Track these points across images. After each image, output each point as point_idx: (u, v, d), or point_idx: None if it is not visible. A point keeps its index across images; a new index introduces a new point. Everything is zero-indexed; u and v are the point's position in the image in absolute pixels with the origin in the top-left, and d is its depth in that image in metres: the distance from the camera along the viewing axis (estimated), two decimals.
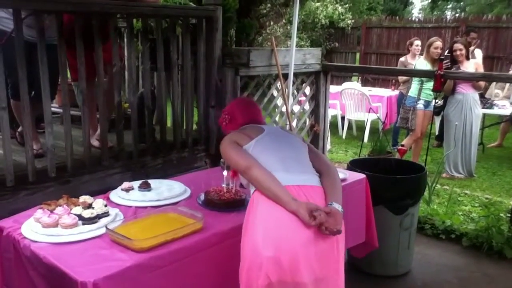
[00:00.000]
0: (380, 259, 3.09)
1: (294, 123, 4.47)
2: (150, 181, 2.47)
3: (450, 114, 5.29)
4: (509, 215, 3.59)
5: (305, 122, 4.52)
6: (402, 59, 6.74)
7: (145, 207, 2.20)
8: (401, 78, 6.54)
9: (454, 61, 5.18)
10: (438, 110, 5.91)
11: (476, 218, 3.84)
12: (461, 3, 27.00)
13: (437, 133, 6.97)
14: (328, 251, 1.77)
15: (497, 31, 11.20)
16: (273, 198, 1.77)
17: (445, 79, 4.15)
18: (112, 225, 1.87)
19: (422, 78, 5.30)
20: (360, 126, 6.95)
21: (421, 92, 5.40)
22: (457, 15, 20.37)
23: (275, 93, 4.22)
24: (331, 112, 7.70)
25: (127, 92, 3.17)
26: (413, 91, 5.49)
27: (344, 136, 7.71)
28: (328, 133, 5.66)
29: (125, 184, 2.40)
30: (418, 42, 6.56)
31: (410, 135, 5.58)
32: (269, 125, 2.09)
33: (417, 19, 14.13)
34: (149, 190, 2.38)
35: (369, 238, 2.83)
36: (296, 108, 4.58)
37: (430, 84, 5.17)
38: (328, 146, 6.05)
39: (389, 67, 5.55)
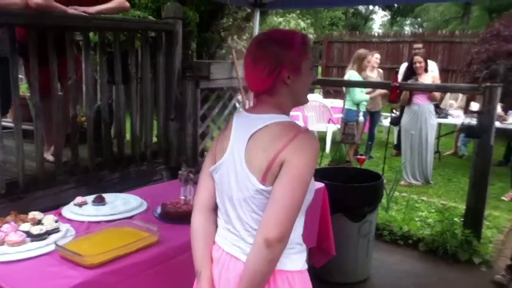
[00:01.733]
0: (339, 267, 3.13)
1: None
2: (105, 195, 2.42)
3: (406, 124, 5.46)
4: (462, 219, 3.72)
5: None
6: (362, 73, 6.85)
7: (99, 222, 2.15)
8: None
9: (413, 73, 5.37)
10: (396, 121, 6.09)
11: (432, 224, 3.95)
12: (419, 19, 28.05)
13: (395, 142, 7.17)
14: None
15: (451, 46, 11.71)
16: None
17: (400, 91, 4.28)
18: (63, 241, 1.82)
19: (350, 92, 5.49)
20: (323, 137, 7.07)
21: (359, 106, 5.60)
22: (416, 31, 21.13)
23: (237, 105, 4.24)
24: None
25: (84, 105, 3.11)
26: (350, 104, 5.65)
27: None
28: None
29: (78, 199, 2.34)
30: (377, 55, 6.71)
31: (351, 147, 5.72)
32: (237, 127, 1.47)
33: (376, 34, 14.57)
34: (103, 204, 2.32)
35: (327, 247, 2.85)
36: None
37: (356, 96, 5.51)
38: None
39: (347, 79, 5.66)
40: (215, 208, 1.53)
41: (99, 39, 3.02)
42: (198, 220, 1.53)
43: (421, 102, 5.33)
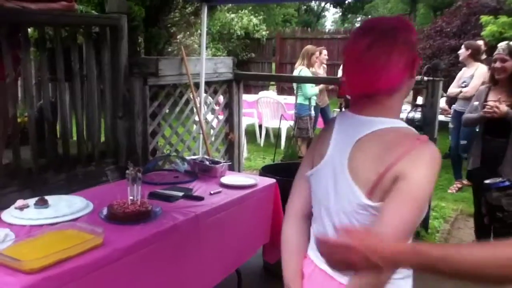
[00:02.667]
0: None
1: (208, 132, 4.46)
2: (48, 197, 2.31)
3: None
4: None
5: (220, 131, 4.53)
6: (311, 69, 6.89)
7: (41, 225, 2.05)
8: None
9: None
10: None
11: None
12: (369, 16, 28.81)
13: None
14: None
15: None
16: None
17: None
18: (0, 247, 1.72)
19: (302, 87, 5.56)
20: (277, 134, 7.13)
21: (311, 100, 5.68)
22: None
23: (187, 102, 4.19)
24: (249, 121, 7.83)
25: (23, 104, 2.97)
26: (302, 99, 5.71)
27: (262, 144, 7.83)
28: (244, 141, 5.73)
29: (19, 202, 2.22)
30: (325, 51, 6.81)
31: (303, 142, 5.79)
32: (341, 129, 1.28)
33: (327, 30, 14.83)
34: (46, 207, 2.22)
35: (279, 242, 2.86)
36: (210, 117, 4.58)
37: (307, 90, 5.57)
38: (244, 154, 6.11)
39: (298, 75, 5.71)
40: (309, 216, 1.37)
41: (39, 34, 2.89)
42: (290, 230, 1.39)
43: None
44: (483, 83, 4.33)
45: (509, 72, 3.03)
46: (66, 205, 2.26)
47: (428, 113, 3.52)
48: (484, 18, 7.23)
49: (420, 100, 5.82)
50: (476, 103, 3.20)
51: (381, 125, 1.17)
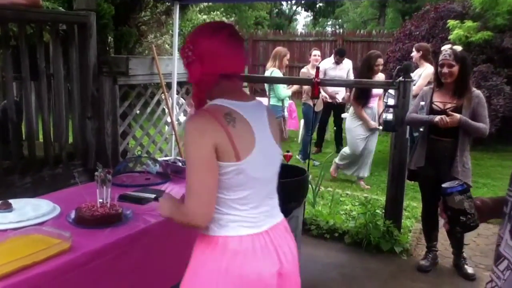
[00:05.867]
0: None
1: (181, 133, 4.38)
2: (12, 201, 2.20)
3: (358, 127, 5.30)
4: (384, 211, 3.87)
5: None
6: (303, 70, 6.69)
7: (5, 230, 1.94)
8: (306, 89, 6.34)
9: (369, 72, 5.18)
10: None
11: (356, 216, 4.07)
12: (339, 20, 29.20)
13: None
14: None
15: (369, 45, 12.29)
16: None
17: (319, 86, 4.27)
18: None
19: (274, 88, 5.55)
20: None
21: (284, 101, 5.66)
22: (337, 30, 21.98)
23: (158, 103, 4.10)
24: None
25: None
26: (275, 101, 5.65)
27: None
28: None
29: None
30: (316, 52, 6.76)
31: None
32: (256, 117, 1.52)
33: (299, 33, 14.94)
34: (10, 211, 2.11)
35: None
36: (183, 118, 4.50)
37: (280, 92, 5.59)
38: None
39: (271, 76, 5.69)
40: None
41: (2, 31, 2.76)
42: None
43: (373, 104, 5.34)
44: (429, 83, 4.45)
45: (454, 77, 3.12)
46: (32, 209, 2.16)
47: (400, 113, 3.55)
48: (451, 23, 7.41)
49: (391, 102, 5.90)
50: (422, 103, 3.26)
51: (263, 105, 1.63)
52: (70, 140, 3.39)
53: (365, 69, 5.22)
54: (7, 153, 2.85)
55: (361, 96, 5.17)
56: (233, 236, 1.47)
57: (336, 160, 5.71)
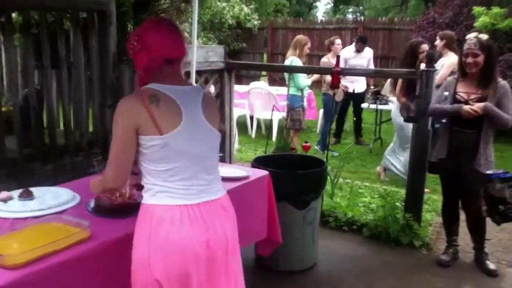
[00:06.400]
0: (285, 255, 3.10)
1: None
2: (33, 189, 2.23)
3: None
4: (403, 203, 3.81)
5: None
6: (324, 59, 6.50)
7: (26, 218, 1.97)
8: (327, 78, 6.12)
9: (414, 60, 4.64)
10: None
11: (375, 209, 4.03)
12: (360, 8, 28.73)
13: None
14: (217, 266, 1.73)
15: (391, 33, 12.06)
16: None
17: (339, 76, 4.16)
18: None
19: (294, 77, 5.44)
20: (269, 125, 7.06)
21: (303, 91, 5.57)
22: (358, 18, 21.61)
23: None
24: (240, 112, 7.74)
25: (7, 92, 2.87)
26: (294, 90, 5.58)
27: (253, 135, 7.76)
28: (236, 132, 5.66)
29: (3, 194, 2.14)
30: (339, 41, 6.62)
31: (295, 133, 5.71)
32: (188, 99, 1.70)
33: (319, 21, 14.73)
34: (31, 199, 2.14)
35: (273, 235, 2.82)
36: None
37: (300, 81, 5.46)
38: (236, 146, 6.05)
39: (290, 65, 5.62)
40: None
41: (23, 19, 2.77)
42: None
43: None
44: (452, 73, 4.28)
45: (480, 67, 3.01)
46: (52, 197, 2.18)
47: (422, 104, 3.47)
48: (476, 9, 7.19)
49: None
50: (446, 93, 3.16)
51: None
52: (90, 128, 3.41)
53: (408, 58, 4.81)
54: (29, 141, 2.88)
55: (411, 88, 4.49)
56: (160, 205, 1.65)
57: (391, 159, 5.16)
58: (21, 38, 2.96)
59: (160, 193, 1.66)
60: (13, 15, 3.08)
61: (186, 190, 1.66)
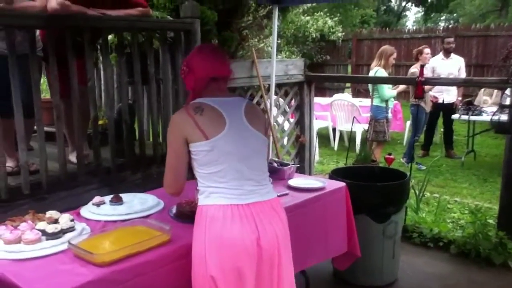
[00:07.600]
0: (364, 269, 3.03)
1: (279, 135, 4.46)
2: (122, 195, 2.43)
3: None
4: (497, 221, 3.54)
5: (291, 134, 4.51)
6: (412, 69, 6.29)
7: (115, 221, 2.15)
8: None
9: None
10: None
11: (464, 225, 3.78)
12: (454, 14, 27.25)
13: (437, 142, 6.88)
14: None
15: (486, 40, 11.29)
16: None
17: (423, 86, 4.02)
18: (76, 240, 1.82)
19: (378, 88, 5.28)
20: (352, 137, 6.95)
21: (388, 102, 5.38)
22: (450, 26, 20.50)
23: (258, 104, 4.21)
24: (322, 124, 7.71)
25: (104, 106, 3.14)
26: (378, 101, 5.42)
27: (336, 148, 7.68)
28: (316, 144, 5.64)
29: (97, 199, 2.36)
30: (428, 50, 6.42)
31: (378, 145, 5.51)
32: (231, 108, 1.87)
33: (407, 30, 14.18)
34: (120, 204, 2.33)
35: (352, 248, 2.77)
36: (281, 120, 4.56)
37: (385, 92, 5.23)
38: (316, 158, 6.02)
39: (372, 76, 5.50)
40: None
41: (118, 40, 3.04)
42: None
43: None
44: None
45: None
46: (139, 203, 2.36)
47: None
48: None
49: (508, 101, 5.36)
50: None
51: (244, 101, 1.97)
52: None
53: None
54: (121, 151, 3.12)
55: None
56: (213, 205, 1.78)
57: None
58: (116, 58, 3.24)
59: (213, 194, 1.81)
60: (109, 37, 3.38)
61: (236, 190, 1.79)
